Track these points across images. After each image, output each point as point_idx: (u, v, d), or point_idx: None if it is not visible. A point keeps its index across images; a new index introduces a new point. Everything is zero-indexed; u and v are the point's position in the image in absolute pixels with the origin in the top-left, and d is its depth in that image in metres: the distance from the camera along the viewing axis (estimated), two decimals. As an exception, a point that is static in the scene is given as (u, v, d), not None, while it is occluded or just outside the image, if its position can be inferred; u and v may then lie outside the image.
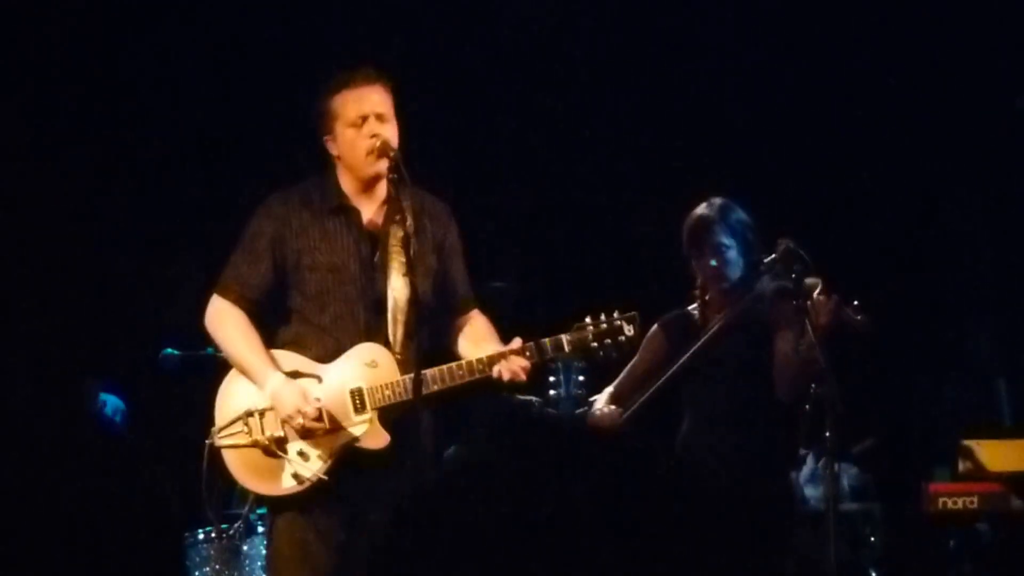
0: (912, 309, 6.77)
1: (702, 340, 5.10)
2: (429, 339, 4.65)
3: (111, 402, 7.18)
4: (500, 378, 4.55)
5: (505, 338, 4.70)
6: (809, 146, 7.41)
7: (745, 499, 5.01)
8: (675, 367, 5.11)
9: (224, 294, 4.66)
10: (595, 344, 4.57)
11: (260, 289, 4.64)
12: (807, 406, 4.84)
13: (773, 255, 4.95)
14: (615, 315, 4.60)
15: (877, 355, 5.82)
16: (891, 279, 7.17)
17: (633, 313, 4.60)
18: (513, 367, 4.53)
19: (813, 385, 4.81)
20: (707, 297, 5.19)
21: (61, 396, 6.65)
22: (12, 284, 6.77)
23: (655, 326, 5.27)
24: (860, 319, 4.93)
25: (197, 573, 5.86)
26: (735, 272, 5.11)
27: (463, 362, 4.57)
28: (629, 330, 4.58)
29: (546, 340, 4.57)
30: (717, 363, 5.10)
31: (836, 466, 4.98)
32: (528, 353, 4.55)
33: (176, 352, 6.29)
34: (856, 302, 4.96)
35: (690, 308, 5.26)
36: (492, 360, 4.54)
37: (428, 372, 4.46)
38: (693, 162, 7.15)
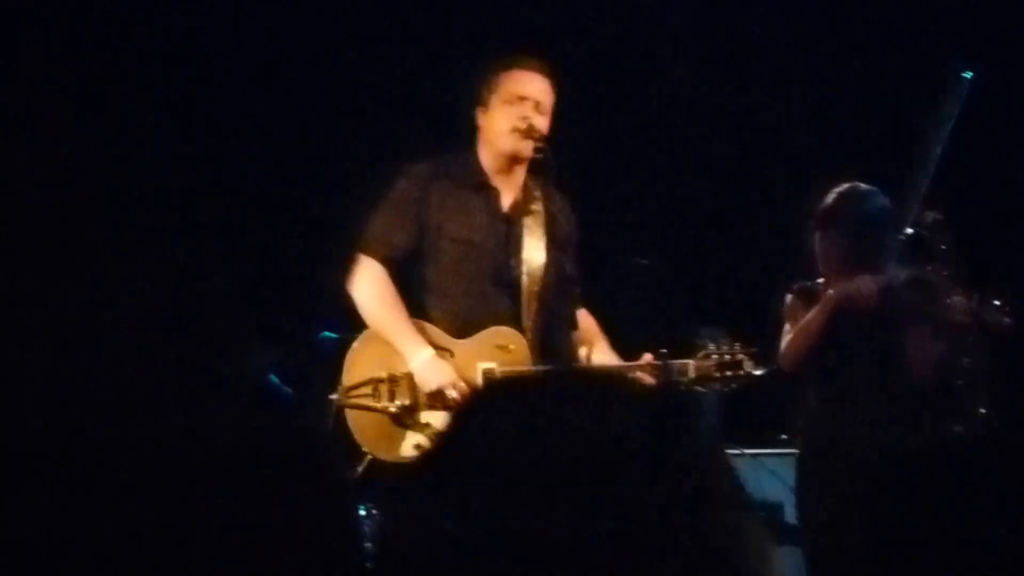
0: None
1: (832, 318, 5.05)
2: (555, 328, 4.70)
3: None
4: None
5: (623, 339, 4.77)
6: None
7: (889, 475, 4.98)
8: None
9: (371, 253, 4.65)
10: (718, 374, 4.61)
11: (404, 251, 4.63)
12: (960, 381, 4.82)
13: (910, 231, 4.91)
14: (737, 346, 4.63)
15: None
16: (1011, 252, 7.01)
17: (755, 349, 4.66)
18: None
19: (966, 359, 4.81)
20: (833, 270, 5.11)
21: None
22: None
23: (790, 296, 5.20)
24: (1005, 322, 4.85)
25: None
26: (852, 260, 5.02)
27: (591, 367, 4.63)
28: (750, 366, 4.63)
29: (673, 363, 4.60)
30: (852, 342, 5.03)
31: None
32: (655, 372, 4.58)
33: (334, 336, 6.40)
34: (997, 302, 4.88)
35: (818, 280, 5.18)
36: (620, 371, 4.55)
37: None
38: (827, 149, 7.08)
